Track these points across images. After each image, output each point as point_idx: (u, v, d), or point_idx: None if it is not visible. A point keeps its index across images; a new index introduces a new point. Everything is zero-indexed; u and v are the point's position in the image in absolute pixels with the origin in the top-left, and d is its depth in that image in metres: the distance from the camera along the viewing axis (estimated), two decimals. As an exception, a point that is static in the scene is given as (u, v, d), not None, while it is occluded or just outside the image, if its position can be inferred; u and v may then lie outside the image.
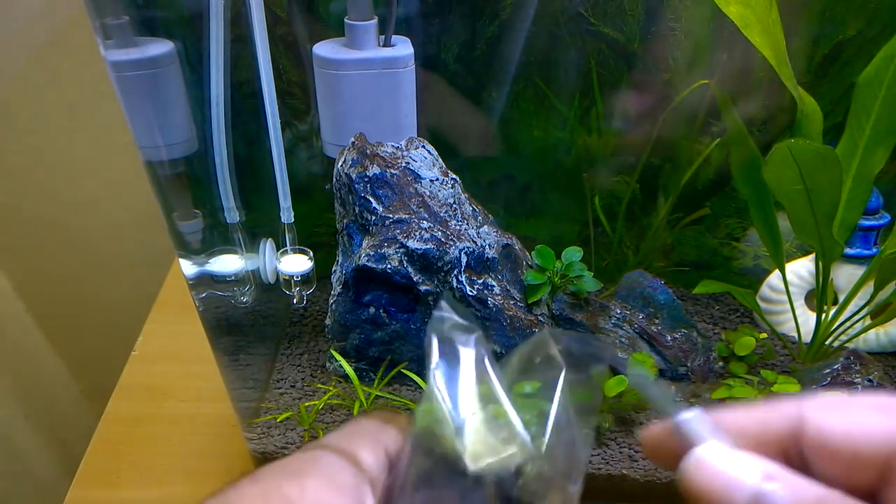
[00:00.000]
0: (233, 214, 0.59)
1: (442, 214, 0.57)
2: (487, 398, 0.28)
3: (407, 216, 0.56)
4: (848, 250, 0.65)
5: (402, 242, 0.55)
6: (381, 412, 0.32)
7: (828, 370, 0.56)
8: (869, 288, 0.60)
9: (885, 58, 0.53)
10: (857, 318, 0.61)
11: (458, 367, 0.28)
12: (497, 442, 0.26)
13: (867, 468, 0.20)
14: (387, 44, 0.57)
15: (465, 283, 0.56)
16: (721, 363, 0.62)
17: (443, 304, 0.30)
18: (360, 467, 0.27)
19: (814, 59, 0.62)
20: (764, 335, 0.63)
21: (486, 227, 0.60)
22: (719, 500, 0.20)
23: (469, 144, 0.70)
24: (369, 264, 0.55)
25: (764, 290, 0.69)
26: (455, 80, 0.65)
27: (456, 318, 0.30)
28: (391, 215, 0.56)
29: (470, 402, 0.28)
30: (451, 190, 0.59)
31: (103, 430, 0.66)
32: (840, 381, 0.56)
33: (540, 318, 0.59)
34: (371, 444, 0.29)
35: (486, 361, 0.28)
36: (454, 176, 0.59)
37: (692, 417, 0.23)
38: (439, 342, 0.29)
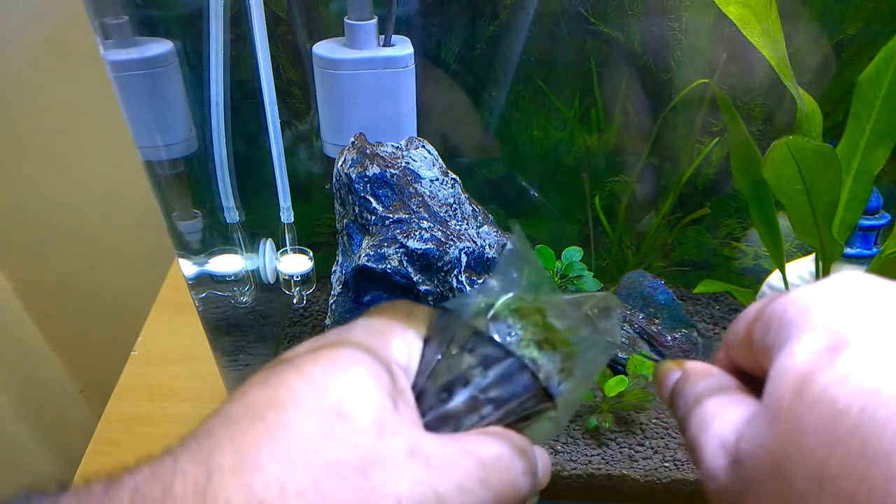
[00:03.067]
0: (232, 214, 0.59)
1: (442, 214, 0.57)
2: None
3: (407, 216, 0.56)
4: (848, 250, 0.65)
5: (401, 242, 0.55)
6: (402, 303, 0.31)
7: (828, 370, 0.56)
8: (869, 288, 0.60)
9: (886, 58, 0.53)
10: (857, 317, 0.61)
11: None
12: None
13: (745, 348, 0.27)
14: (387, 43, 0.57)
15: (465, 283, 0.56)
16: (721, 363, 0.62)
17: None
18: (391, 368, 0.26)
19: (813, 59, 0.62)
20: (764, 335, 0.63)
21: (486, 226, 0.60)
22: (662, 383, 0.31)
23: (469, 144, 0.70)
24: (369, 264, 0.55)
25: (764, 290, 0.69)
26: (455, 79, 0.65)
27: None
28: (391, 215, 0.56)
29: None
30: (451, 190, 0.59)
31: (103, 431, 0.65)
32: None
33: (540, 317, 0.59)
34: (401, 334, 0.28)
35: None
36: (454, 176, 0.59)
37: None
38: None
